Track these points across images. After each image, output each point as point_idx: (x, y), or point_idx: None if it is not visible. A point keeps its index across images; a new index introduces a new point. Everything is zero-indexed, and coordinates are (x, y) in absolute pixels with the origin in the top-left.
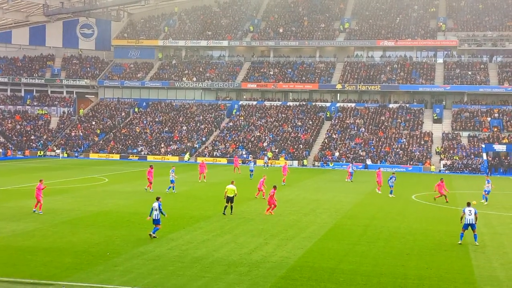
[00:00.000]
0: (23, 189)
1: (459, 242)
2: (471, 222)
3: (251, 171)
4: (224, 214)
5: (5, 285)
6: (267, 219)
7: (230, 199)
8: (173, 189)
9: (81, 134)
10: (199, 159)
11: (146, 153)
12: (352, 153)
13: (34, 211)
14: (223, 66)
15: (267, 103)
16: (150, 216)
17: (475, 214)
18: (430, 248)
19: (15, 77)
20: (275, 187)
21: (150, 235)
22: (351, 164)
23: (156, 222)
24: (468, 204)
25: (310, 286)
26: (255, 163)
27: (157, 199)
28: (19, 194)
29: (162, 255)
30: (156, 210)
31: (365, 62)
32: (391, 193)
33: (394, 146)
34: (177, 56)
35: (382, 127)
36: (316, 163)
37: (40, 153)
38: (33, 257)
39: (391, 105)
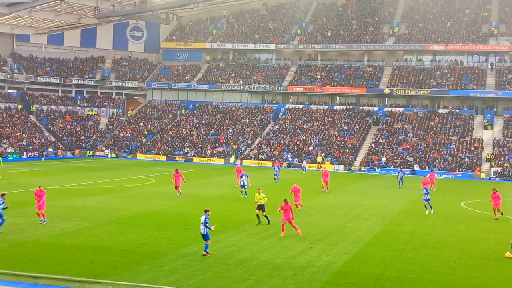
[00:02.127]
0: (72, 188)
1: None
2: None
3: (276, 175)
4: (258, 223)
5: (53, 282)
6: (312, 224)
7: (260, 207)
8: (245, 194)
9: (129, 135)
10: (245, 162)
11: (192, 154)
12: (399, 158)
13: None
14: (270, 69)
15: (314, 107)
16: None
17: None
18: (479, 257)
19: (66, 78)
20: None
21: (203, 254)
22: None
23: (205, 237)
24: None
25: None
26: (280, 166)
27: (205, 211)
28: (68, 193)
29: (207, 257)
30: (202, 224)
31: (414, 66)
32: (427, 208)
33: (443, 152)
34: (225, 59)
35: (431, 133)
36: (363, 168)
37: (89, 153)
38: (81, 255)
39: (440, 111)
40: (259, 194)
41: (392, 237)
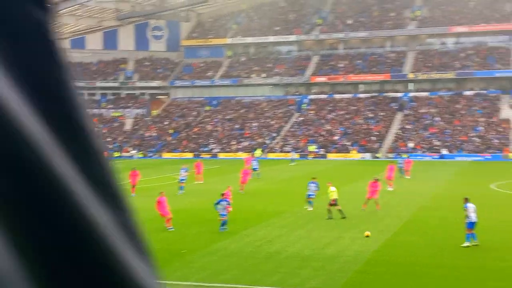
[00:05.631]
0: None
1: None
2: None
3: (255, 169)
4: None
5: None
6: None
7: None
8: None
9: (155, 134)
10: (270, 155)
11: (217, 151)
12: (427, 143)
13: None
14: (292, 61)
15: (337, 96)
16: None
17: None
18: None
19: (90, 82)
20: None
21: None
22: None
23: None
24: None
25: (385, 280)
26: (257, 159)
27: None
28: None
29: (236, 252)
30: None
31: (437, 49)
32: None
33: (470, 135)
34: (246, 53)
35: (458, 116)
36: (390, 155)
37: (116, 154)
38: None
39: (466, 93)
40: (329, 187)
41: (421, 223)
